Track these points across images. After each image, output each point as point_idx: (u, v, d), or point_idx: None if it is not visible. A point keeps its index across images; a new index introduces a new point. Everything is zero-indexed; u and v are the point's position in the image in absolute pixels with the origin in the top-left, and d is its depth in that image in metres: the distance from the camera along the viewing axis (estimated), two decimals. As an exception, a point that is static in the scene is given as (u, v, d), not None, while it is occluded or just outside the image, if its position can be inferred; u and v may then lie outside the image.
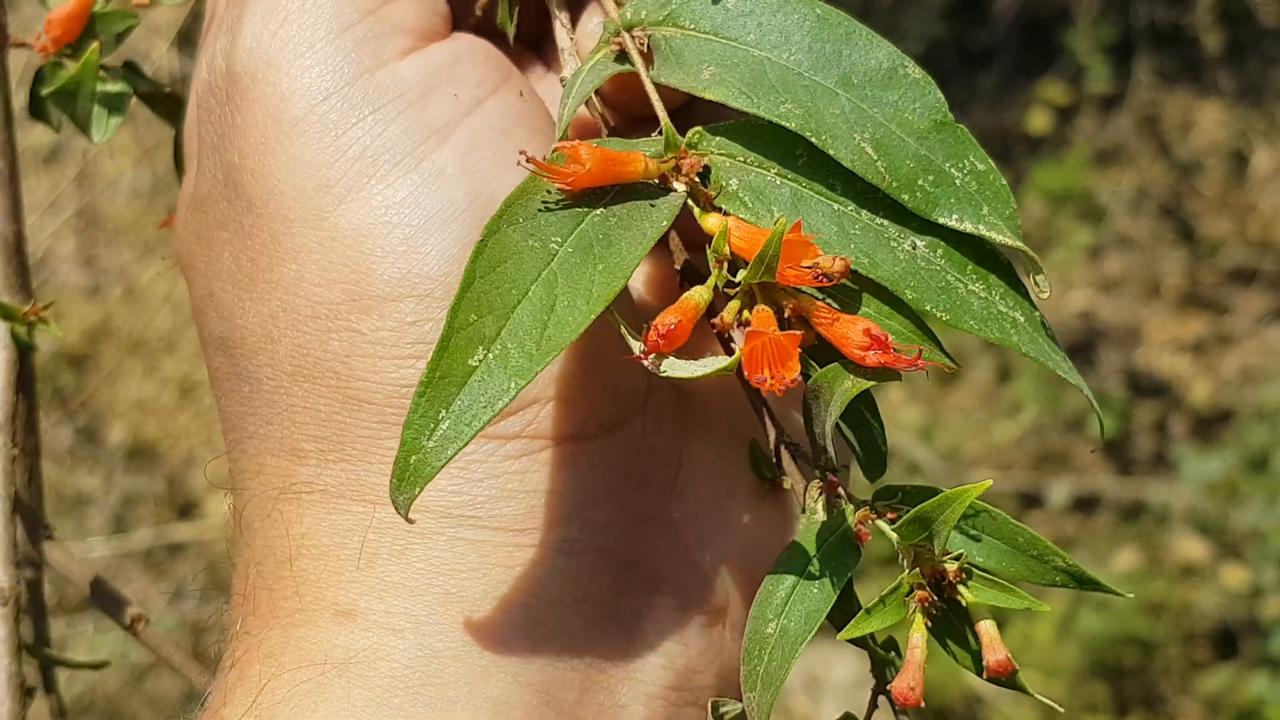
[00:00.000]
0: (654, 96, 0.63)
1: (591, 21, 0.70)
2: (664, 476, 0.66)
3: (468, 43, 0.68)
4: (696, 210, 0.61)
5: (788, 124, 0.59)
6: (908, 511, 0.57)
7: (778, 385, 0.55)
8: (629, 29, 0.65)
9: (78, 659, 0.92)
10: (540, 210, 0.58)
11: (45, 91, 0.82)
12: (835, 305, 0.59)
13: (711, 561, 0.66)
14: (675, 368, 0.56)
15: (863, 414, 0.61)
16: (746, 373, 0.55)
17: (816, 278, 0.56)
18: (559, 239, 0.57)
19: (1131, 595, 0.61)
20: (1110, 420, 3.29)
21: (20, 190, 0.83)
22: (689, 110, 0.66)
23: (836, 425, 0.58)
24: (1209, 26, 3.78)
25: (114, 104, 0.83)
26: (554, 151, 0.59)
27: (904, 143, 0.59)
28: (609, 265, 0.57)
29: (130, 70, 0.85)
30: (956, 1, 3.84)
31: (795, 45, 0.61)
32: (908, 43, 3.76)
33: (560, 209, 0.59)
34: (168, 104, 0.88)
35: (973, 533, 0.58)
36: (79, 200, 3.48)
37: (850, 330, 0.57)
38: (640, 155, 0.60)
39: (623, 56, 0.65)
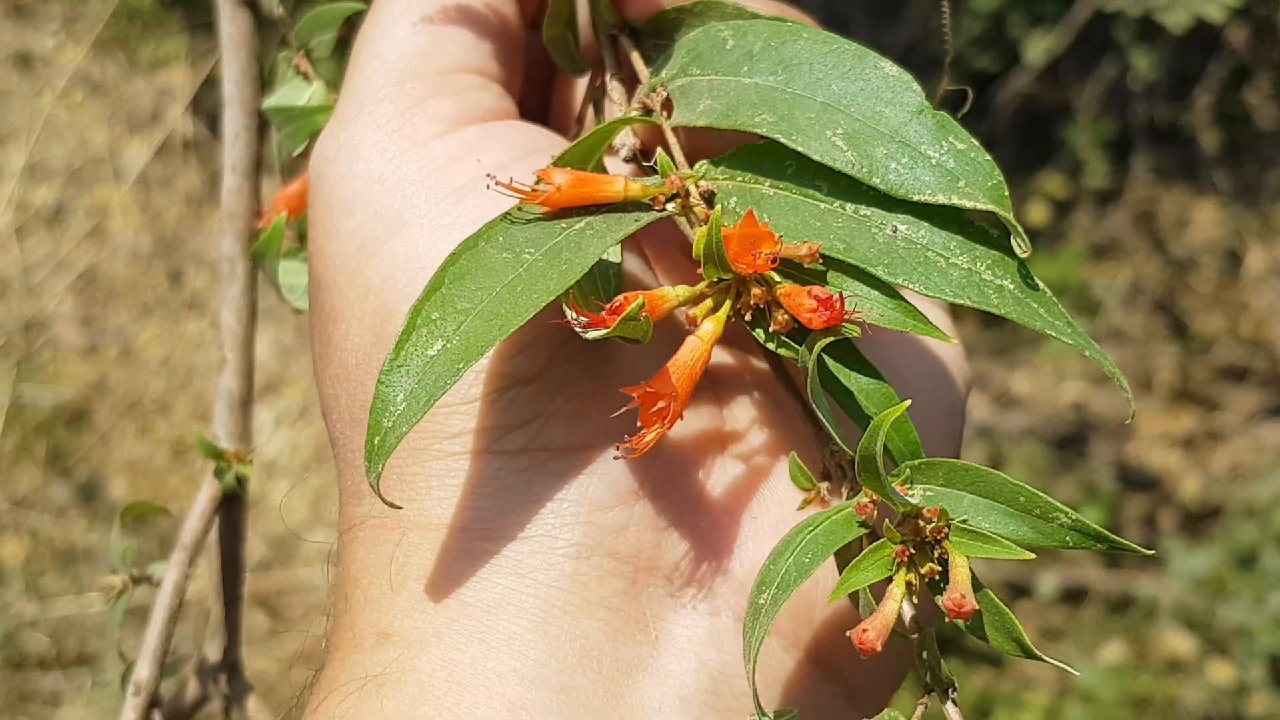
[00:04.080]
0: (669, 137, 0.70)
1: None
2: (685, 487, 0.68)
3: (506, 123, 0.74)
4: (695, 227, 0.67)
5: (762, 129, 0.64)
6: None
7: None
8: (653, 89, 0.72)
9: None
10: (521, 225, 0.64)
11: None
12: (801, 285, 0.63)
13: (743, 567, 0.67)
14: (593, 332, 0.61)
15: (838, 382, 0.64)
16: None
17: (773, 262, 0.61)
18: (532, 249, 0.63)
19: (1151, 551, 0.61)
20: (1099, 511, 3.29)
21: (254, 353, 0.94)
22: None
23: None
24: (1207, 126, 3.82)
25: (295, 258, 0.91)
26: (535, 178, 0.65)
27: (878, 135, 0.63)
28: (571, 265, 0.61)
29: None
30: (957, 93, 3.87)
31: (780, 68, 0.66)
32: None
33: (540, 224, 0.64)
34: None
35: (975, 498, 0.60)
36: (83, 261, 3.50)
37: (803, 298, 0.61)
38: (620, 178, 0.66)
39: (648, 111, 0.72)
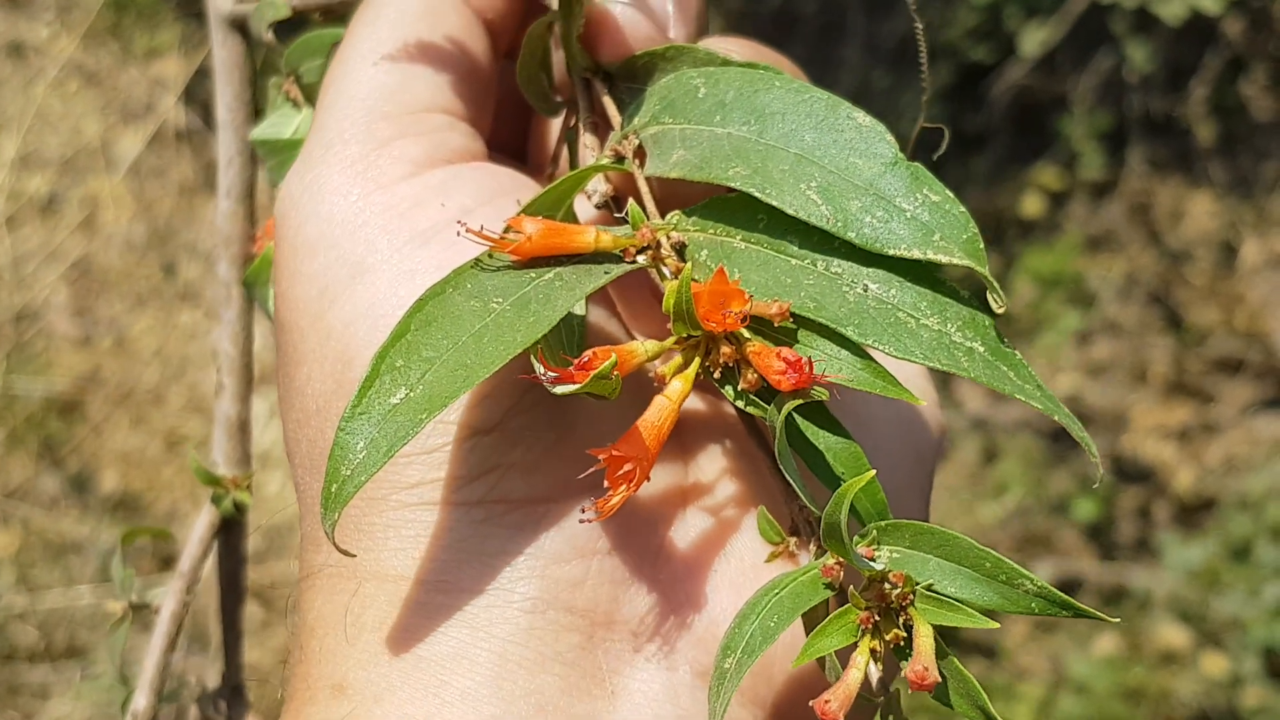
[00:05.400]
0: (641, 186, 0.70)
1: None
2: (645, 540, 0.67)
3: (473, 165, 0.73)
4: (666, 280, 0.66)
5: (735, 184, 0.64)
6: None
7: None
8: (626, 136, 0.71)
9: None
10: (490, 273, 0.64)
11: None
12: (772, 345, 0.62)
13: (703, 621, 0.67)
14: (561, 387, 0.60)
15: (806, 440, 0.63)
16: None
17: (743, 320, 0.61)
18: (500, 299, 0.62)
19: (1118, 620, 0.61)
20: (1094, 503, 3.29)
21: (252, 377, 0.95)
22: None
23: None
24: (1202, 118, 3.82)
25: None
26: (505, 226, 0.64)
27: (852, 187, 0.62)
28: (539, 317, 0.61)
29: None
30: (953, 85, 3.88)
31: (753, 117, 0.66)
32: (904, 124, 3.79)
33: (509, 272, 0.64)
34: None
35: (941, 561, 0.59)
36: (77, 250, 3.49)
37: (771, 359, 0.61)
38: (591, 229, 0.65)
39: (620, 159, 0.71)
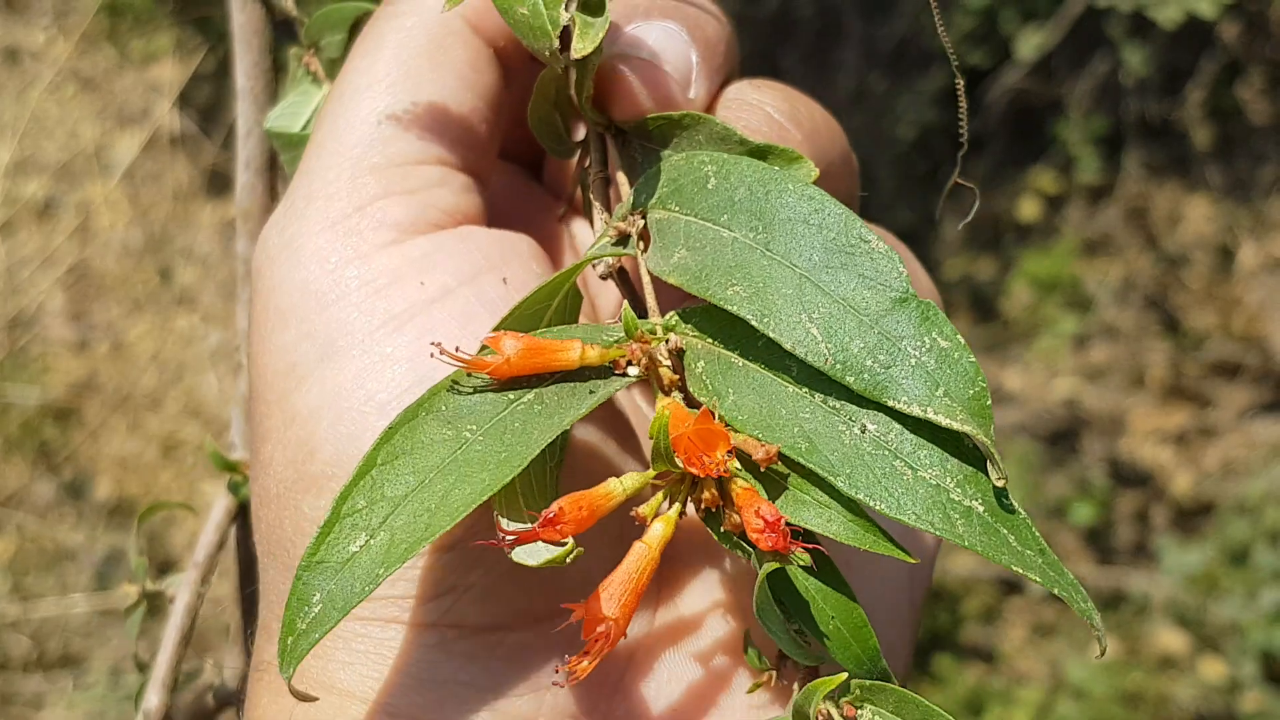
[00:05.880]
0: (643, 277, 0.66)
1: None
2: (603, 672, 0.65)
3: (459, 233, 0.70)
4: (657, 394, 0.63)
5: (733, 308, 0.60)
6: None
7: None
8: (633, 211, 0.67)
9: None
10: (469, 394, 0.60)
11: None
12: (761, 489, 0.59)
13: None
14: (522, 554, 0.57)
15: (791, 587, 0.60)
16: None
17: (726, 471, 0.57)
18: (474, 427, 0.59)
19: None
20: (1092, 508, 3.29)
21: None
22: None
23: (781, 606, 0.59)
24: (1199, 122, 3.82)
25: None
26: (482, 344, 0.61)
27: (856, 323, 0.59)
28: (510, 453, 0.58)
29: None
30: (949, 89, 3.87)
31: (762, 223, 0.62)
32: (901, 128, 3.79)
33: (490, 394, 0.60)
34: None
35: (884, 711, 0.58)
36: (73, 255, 3.49)
37: (749, 514, 0.57)
38: (577, 344, 0.61)
39: (624, 238, 0.67)
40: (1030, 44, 3.68)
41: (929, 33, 3.73)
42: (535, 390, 0.61)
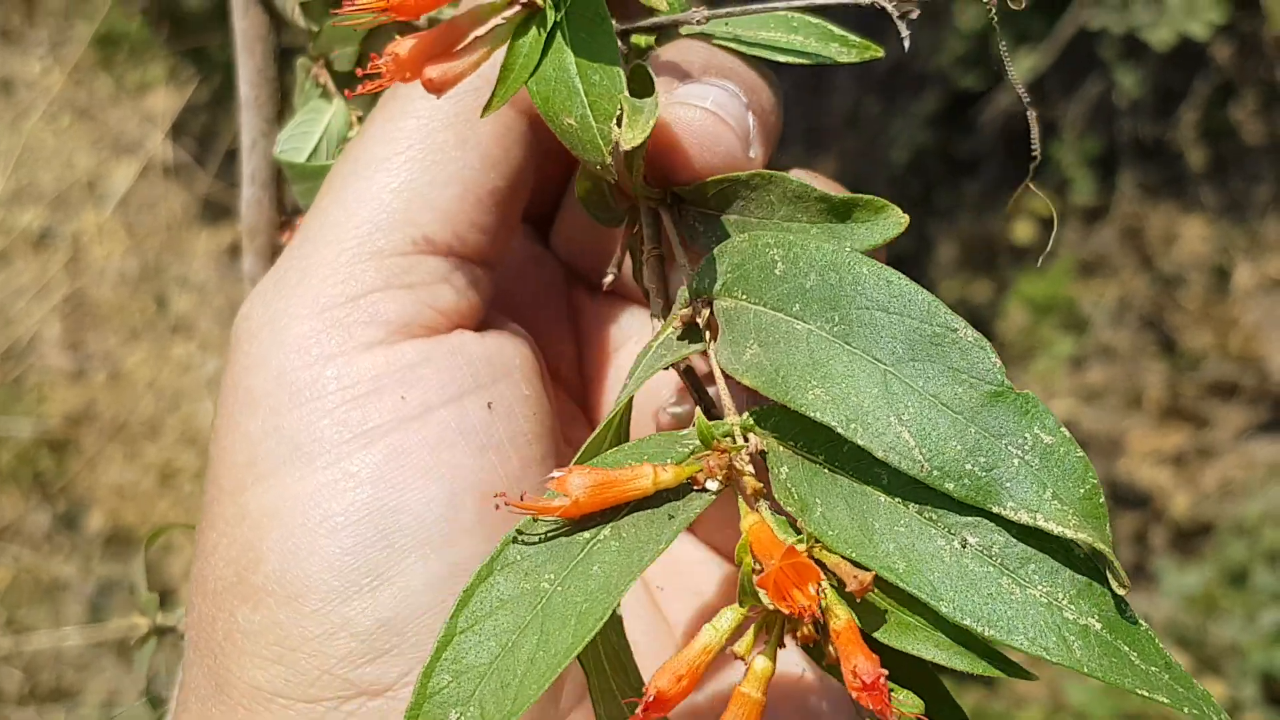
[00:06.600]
0: (721, 384, 0.61)
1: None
2: None
3: (451, 344, 0.66)
4: (743, 508, 0.58)
5: (816, 414, 0.55)
6: None
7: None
8: (699, 298, 0.63)
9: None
10: (539, 541, 0.55)
11: None
12: (856, 619, 0.54)
13: None
14: None
15: None
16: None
17: (811, 615, 0.52)
18: (552, 575, 0.54)
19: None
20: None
21: None
22: None
23: None
24: (1193, 143, 3.82)
25: None
26: (546, 484, 0.56)
27: (950, 422, 0.53)
28: (592, 603, 0.53)
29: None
30: (944, 110, 3.88)
31: (837, 314, 0.56)
32: (895, 150, 3.80)
33: (562, 538, 0.55)
34: None
35: None
36: (68, 285, 3.49)
37: (848, 668, 0.52)
38: (648, 469, 0.56)
39: (691, 327, 0.63)
40: (1023, 66, 3.69)
41: (923, 56, 3.73)
42: (611, 525, 0.56)
